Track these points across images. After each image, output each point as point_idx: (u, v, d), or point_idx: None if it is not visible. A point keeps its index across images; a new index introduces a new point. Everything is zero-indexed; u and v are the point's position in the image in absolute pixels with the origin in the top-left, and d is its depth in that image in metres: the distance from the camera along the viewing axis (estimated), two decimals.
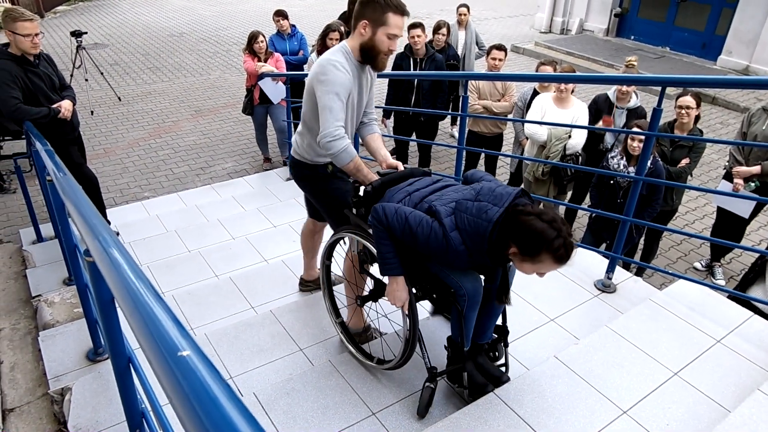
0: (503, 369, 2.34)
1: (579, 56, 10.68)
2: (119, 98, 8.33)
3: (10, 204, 5.46)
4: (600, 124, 4.52)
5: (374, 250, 2.17)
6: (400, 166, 2.44)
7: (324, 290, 2.73)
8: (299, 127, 2.60)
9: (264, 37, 5.57)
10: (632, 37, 11.71)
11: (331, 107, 2.24)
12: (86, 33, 8.32)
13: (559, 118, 4.29)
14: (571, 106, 4.39)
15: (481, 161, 5.64)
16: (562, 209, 5.14)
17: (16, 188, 5.62)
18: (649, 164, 3.29)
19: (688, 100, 3.89)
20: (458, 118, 6.36)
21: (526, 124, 4.56)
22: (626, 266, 3.57)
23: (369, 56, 2.36)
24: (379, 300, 2.47)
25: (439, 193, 2.09)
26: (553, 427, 2.13)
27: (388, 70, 2.85)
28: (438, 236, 1.89)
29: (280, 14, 6.04)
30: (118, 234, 4.28)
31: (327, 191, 2.65)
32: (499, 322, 2.34)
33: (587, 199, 4.71)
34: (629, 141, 3.75)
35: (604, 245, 4.18)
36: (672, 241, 5.13)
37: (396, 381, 2.45)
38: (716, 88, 8.59)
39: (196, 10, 14.76)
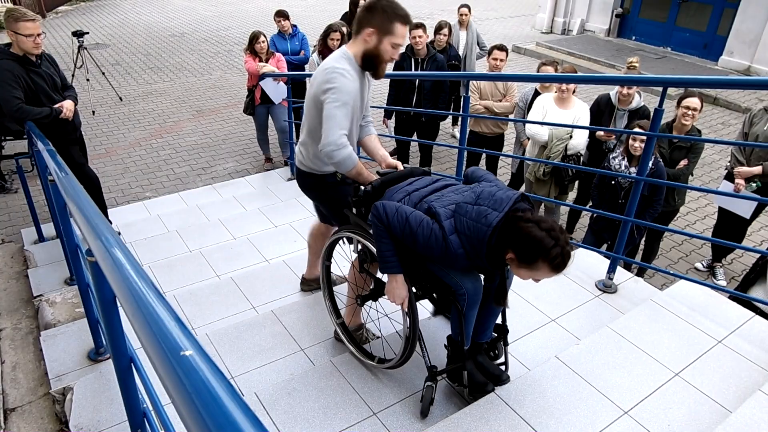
0: (503, 368, 2.34)
1: (580, 56, 10.68)
2: (120, 98, 8.34)
3: (11, 204, 5.47)
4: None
5: (374, 249, 2.17)
6: (400, 166, 2.45)
7: (324, 291, 2.73)
8: (302, 137, 2.57)
9: (265, 37, 5.58)
10: (633, 38, 11.71)
11: (335, 115, 2.22)
12: (88, 33, 8.32)
13: (561, 119, 4.29)
14: (573, 106, 4.39)
15: (483, 161, 5.64)
16: (563, 209, 5.14)
17: (17, 188, 5.62)
18: (650, 165, 3.29)
19: (695, 101, 3.82)
20: (459, 119, 6.36)
21: (527, 125, 4.56)
22: (627, 266, 3.56)
23: (371, 64, 2.35)
24: (379, 299, 2.48)
25: (438, 194, 2.09)
26: (554, 427, 2.13)
27: (388, 70, 2.85)
28: (438, 238, 1.90)
29: (281, 14, 6.04)
30: (119, 234, 4.28)
31: (337, 198, 2.64)
32: (498, 320, 2.34)
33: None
34: (631, 141, 3.74)
35: (605, 246, 4.17)
36: (673, 241, 5.13)
37: (397, 381, 2.45)
38: (718, 88, 8.59)
39: (197, 11, 14.78)
